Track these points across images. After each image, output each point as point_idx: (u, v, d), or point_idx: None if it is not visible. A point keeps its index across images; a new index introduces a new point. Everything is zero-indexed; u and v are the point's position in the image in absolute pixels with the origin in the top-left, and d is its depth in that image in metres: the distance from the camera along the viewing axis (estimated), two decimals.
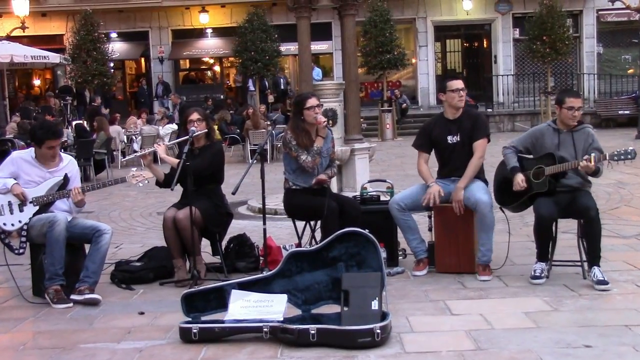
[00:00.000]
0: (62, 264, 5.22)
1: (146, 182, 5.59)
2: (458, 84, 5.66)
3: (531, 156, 5.44)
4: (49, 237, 5.19)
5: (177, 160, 5.65)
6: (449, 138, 5.63)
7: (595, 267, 5.14)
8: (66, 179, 5.48)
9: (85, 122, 17.27)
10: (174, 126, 17.25)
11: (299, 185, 5.83)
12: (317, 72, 21.30)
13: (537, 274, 5.26)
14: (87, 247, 5.46)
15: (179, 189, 5.84)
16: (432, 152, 5.80)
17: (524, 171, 5.38)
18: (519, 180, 5.33)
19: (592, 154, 5.13)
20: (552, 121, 5.47)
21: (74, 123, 17.39)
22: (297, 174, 5.83)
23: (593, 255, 5.18)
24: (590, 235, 5.18)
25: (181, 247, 5.74)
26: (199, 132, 5.80)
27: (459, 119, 5.65)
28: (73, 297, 5.21)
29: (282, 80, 20.56)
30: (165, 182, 5.87)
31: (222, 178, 6.01)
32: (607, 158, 5.11)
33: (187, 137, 5.72)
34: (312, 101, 5.78)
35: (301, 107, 5.78)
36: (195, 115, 5.85)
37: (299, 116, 5.80)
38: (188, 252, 5.73)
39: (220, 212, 5.89)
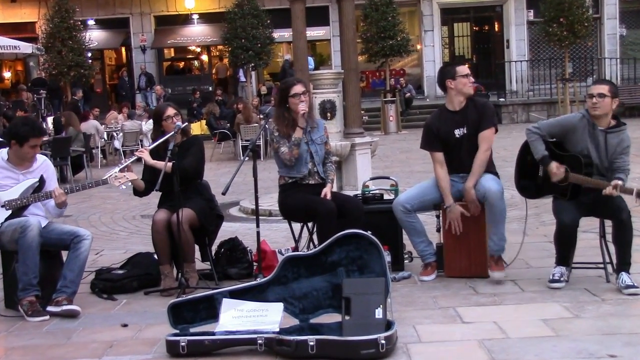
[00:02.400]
0: (36, 273, 5.20)
1: (129, 184, 5.62)
2: (466, 68, 5.68)
3: (555, 141, 5.36)
4: (21, 243, 5.17)
5: (168, 163, 5.65)
6: (457, 131, 5.62)
7: (623, 272, 5.12)
8: (42, 181, 5.47)
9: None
10: None
11: (295, 177, 5.80)
12: (308, 62, 21.25)
13: (556, 278, 5.25)
14: (64, 254, 5.45)
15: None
16: None
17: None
18: (554, 167, 5.20)
19: (619, 183, 4.97)
20: (586, 111, 5.28)
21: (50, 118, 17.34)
22: (289, 166, 5.82)
23: (622, 262, 5.15)
24: (621, 240, 5.13)
25: (170, 252, 5.75)
26: (184, 125, 5.88)
27: (464, 109, 5.63)
28: (49, 308, 5.20)
29: None
30: (145, 188, 5.87)
31: (203, 172, 6.07)
32: (634, 194, 4.92)
33: (172, 132, 5.76)
34: (297, 88, 5.75)
35: (286, 94, 5.78)
36: (171, 111, 5.92)
37: (284, 104, 5.80)
38: (178, 258, 5.74)
39: (212, 207, 5.95)
